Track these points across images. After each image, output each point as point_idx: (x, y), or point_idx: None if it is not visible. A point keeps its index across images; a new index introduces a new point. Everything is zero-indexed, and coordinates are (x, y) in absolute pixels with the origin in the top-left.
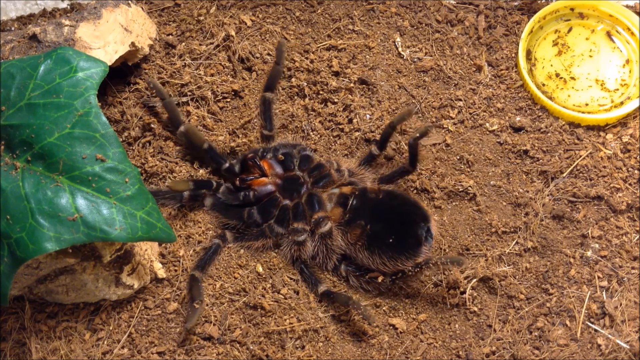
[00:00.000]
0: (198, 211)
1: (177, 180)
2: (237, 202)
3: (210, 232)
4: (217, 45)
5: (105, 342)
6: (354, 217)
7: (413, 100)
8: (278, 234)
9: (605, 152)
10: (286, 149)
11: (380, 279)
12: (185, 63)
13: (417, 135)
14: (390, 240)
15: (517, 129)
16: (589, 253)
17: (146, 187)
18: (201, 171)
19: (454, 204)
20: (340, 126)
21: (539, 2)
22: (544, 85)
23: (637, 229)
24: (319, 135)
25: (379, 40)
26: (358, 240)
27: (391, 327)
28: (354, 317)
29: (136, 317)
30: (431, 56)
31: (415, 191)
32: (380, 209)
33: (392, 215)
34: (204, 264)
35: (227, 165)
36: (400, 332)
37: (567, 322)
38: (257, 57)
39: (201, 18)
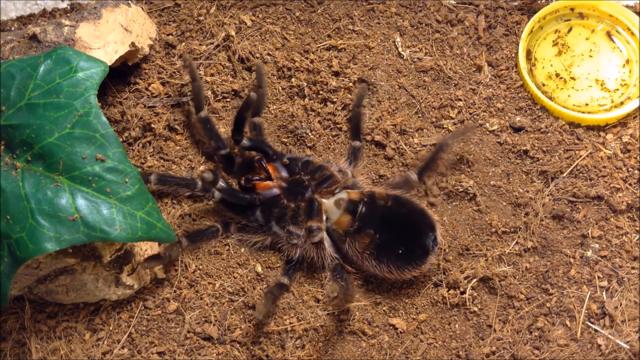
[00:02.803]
0: (196, 209)
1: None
2: (242, 204)
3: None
4: (217, 45)
5: (105, 342)
6: (363, 226)
7: (413, 100)
8: (275, 233)
9: (605, 152)
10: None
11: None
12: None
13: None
14: (400, 251)
15: (517, 129)
16: (589, 253)
17: (161, 172)
18: (201, 167)
19: (454, 204)
20: (339, 125)
21: (539, 2)
22: (544, 85)
23: (637, 229)
24: (317, 135)
25: (379, 40)
26: (366, 249)
27: (391, 327)
28: (354, 316)
29: (136, 317)
30: (431, 56)
31: (416, 191)
32: (389, 218)
33: (401, 224)
34: (194, 237)
35: (240, 142)
36: (400, 332)
37: (567, 322)
38: (257, 57)
39: (201, 18)
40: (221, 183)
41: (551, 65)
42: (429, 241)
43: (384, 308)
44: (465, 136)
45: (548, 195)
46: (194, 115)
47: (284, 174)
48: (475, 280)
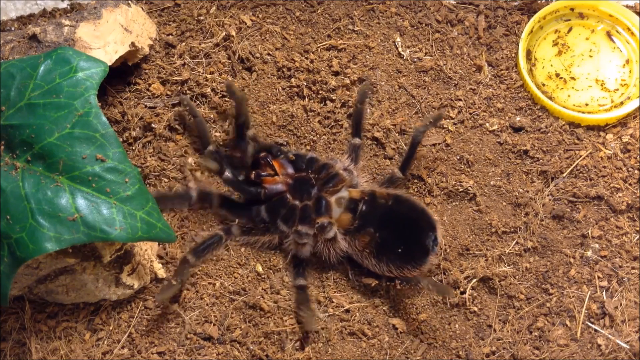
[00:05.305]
0: (196, 210)
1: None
2: (246, 200)
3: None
4: (217, 45)
5: (105, 342)
6: (363, 224)
7: (413, 100)
8: (282, 232)
9: (605, 152)
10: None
11: (372, 284)
12: (184, 62)
13: (429, 121)
14: (399, 250)
15: (517, 129)
16: (589, 253)
17: (153, 191)
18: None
19: (454, 204)
20: (340, 122)
21: (539, 2)
22: (544, 85)
23: (637, 229)
24: (317, 135)
25: (379, 40)
26: (366, 247)
27: (391, 327)
28: (354, 317)
29: (136, 317)
30: (431, 56)
31: (416, 191)
32: (390, 216)
33: (401, 223)
34: (200, 252)
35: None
36: (400, 332)
37: (567, 322)
38: (257, 57)
39: (201, 18)
40: (227, 173)
41: (551, 65)
42: (429, 241)
43: (384, 308)
44: (434, 125)
45: (548, 195)
46: (204, 151)
47: (290, 170)
48: (475, 280)
